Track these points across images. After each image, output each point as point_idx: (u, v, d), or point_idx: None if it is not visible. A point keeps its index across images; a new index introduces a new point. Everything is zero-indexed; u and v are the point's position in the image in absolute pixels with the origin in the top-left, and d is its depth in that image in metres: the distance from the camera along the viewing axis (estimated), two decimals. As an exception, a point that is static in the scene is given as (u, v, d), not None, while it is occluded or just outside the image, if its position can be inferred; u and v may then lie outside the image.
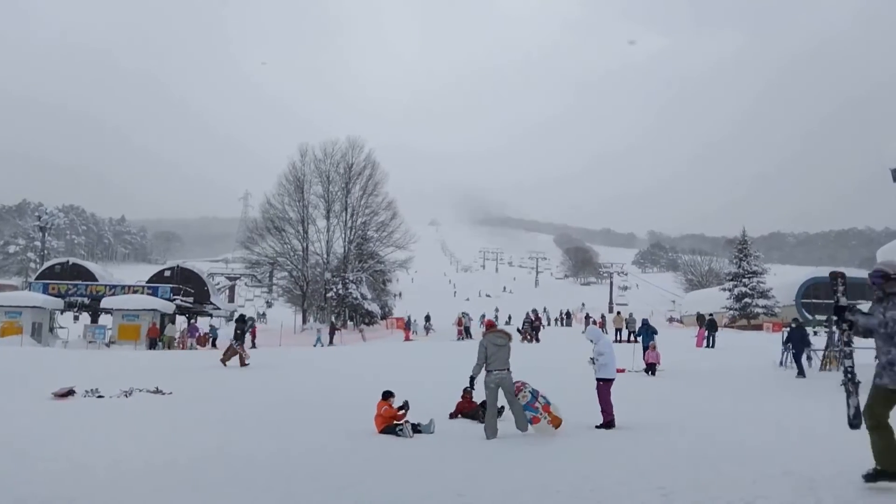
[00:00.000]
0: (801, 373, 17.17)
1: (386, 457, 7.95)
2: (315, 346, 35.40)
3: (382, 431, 9.64)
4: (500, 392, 9.53)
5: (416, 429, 9.65)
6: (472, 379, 9.78)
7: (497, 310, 66.28)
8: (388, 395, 10.17)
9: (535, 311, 48.15)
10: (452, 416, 11.13)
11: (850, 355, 5.89)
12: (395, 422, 9.76)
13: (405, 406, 10.04)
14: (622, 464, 7.23)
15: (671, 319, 67.35)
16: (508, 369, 9.48)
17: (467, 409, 11.10)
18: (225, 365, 20.77)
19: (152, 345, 34.80)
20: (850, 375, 5.87)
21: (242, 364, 20.94)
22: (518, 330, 36.49)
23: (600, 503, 5.69)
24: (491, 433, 9.24)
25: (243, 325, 22.70)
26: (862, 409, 5.76)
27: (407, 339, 40.03)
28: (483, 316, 62.54)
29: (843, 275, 6.46)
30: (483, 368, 9.50)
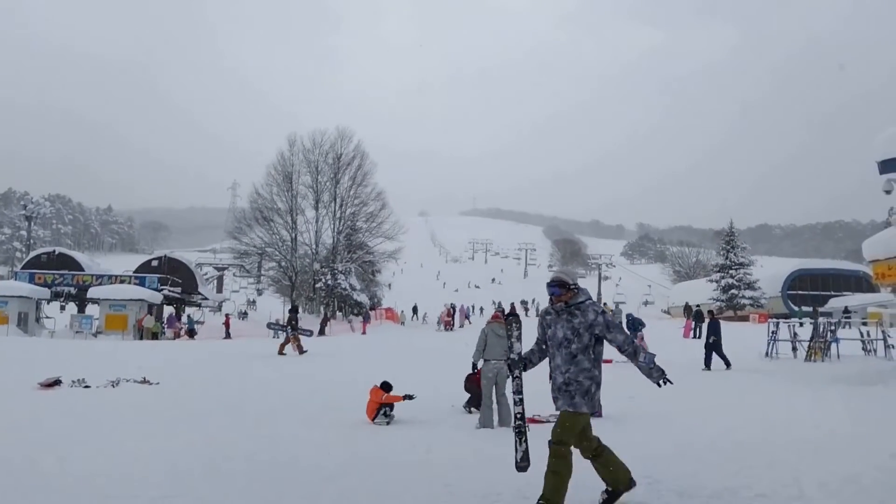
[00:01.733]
0: (707, 366, 17.08)
1: (373, 448, 7.94)
2: (274, 337, 34.99)
3: (374, 417, 9.65)
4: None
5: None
6: (475, 366, 9.92)
7: (493, 302, 66.44)
8: (387, 388, 10.07)
9: (523, 301, 48.40)
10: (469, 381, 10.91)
11: (520, 402, 5.54)
12: (386, 401, 9.74)
13: (410, 397, 9.98)
14: (609, 454, 7.26)
15: (645, 303, 68.46)
16: (506, 360, 9.48)
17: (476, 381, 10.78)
18: (282, 354, 21.49)
19: (143, 335, 34.77)
20: (519, 421, 5.58)
21: (301, 352, 21.83)
22: (268, 325, 35.54)
23: (587, 491, 5.71)
24: (485, 422, 9.25)
25: (296, 315, 23.64)
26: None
27: (363, 332, 38.94)
28: (472, 306, 62.85)
29: (517, 317, 6.04)
30: (482, 357, 9.55)
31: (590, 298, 5.26)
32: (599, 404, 5.31)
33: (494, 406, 9.43)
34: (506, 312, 36.26)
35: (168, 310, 43.25)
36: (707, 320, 19.29)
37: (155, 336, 35.21)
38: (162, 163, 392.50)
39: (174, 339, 36.05)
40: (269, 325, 27.54)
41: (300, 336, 22.66)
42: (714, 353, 17.47)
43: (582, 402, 5.10)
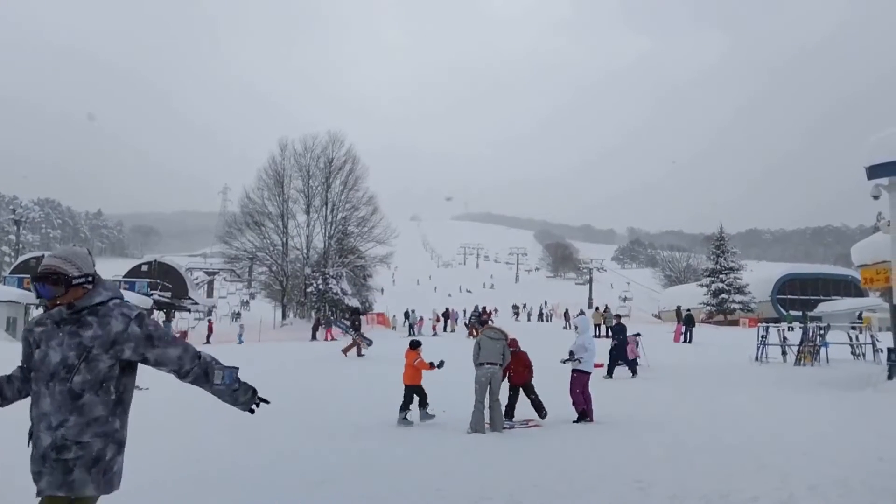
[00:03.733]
0: (609, 374, 16.06)
1: (364, 453, 7.93)
2: (239, 343, 34.59)
3: (411, 386, 9.91)
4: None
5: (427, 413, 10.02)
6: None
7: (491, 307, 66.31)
8: (416, 345, 10.34)
9: (514, 306, 48.30)
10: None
11: None
12: (419, 366, 10.03)
13: (440, 365, 10.19)
14: (600, 458, 7.28)
15: (625, 299, 69.81)
16: (500, 365, 9.57)
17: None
18: (346, 356, 22.11)
19: None
20: None
21: (359, 354, 22.30)
22: (465, 324, 34.96)
23: (578, 497, 5.72)
24: (476, 426, 9.25)
25: (358, 317, 24.39)
26: None
27: (328, 338, 35.58)
28: (465, 311, 62.62)
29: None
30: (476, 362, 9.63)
31: (118, 297, 3.23)
32: (118, 478, 3.30)
33: (486, 410, 9.45)
34: (479, 313, 35.23)
35: (159, 315, 43.03)
36: (614, 323, 18.56)
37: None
38: (152, 166, 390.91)
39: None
40: (336, 324, 28.51)
41: (362, 340, 23.17)
42: (619, 359, 16.58)
43: (87, 478, 3.04)
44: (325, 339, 35.51)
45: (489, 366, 9.47)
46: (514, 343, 10.53)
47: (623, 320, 23.02)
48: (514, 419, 10.08)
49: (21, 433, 3.39)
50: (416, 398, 10.00)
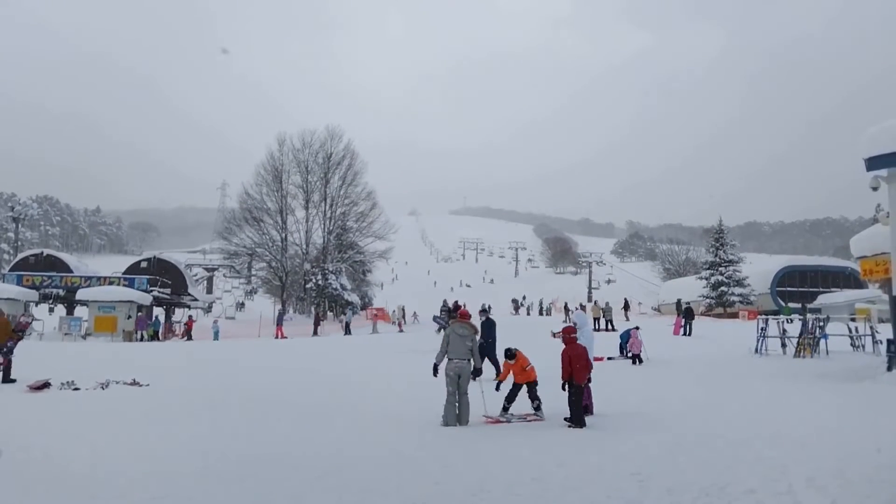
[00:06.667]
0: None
1: (364, 447, 7.95)
2: (215, 339, 34.27)
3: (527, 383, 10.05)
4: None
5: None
6: (436, 367, 9.77)
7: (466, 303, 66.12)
8: (510, 356, 10.28)
9: (514, 300, 48.05)
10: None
11: None
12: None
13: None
14: (598, 451, 7.29)
15: (609, 281, 70.56)
16: (469, 360, 9.56)
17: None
18: None
19: (142, 337, 34.77)
20: None
21: None
22: (434, 318, 33.50)
23: (576, 489, 5.73)
24: (448, 419, 9.26)
25: (449, 314, 24.87)
26: None
27: (278, 335, 35.27)
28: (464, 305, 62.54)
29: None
30: (445, 356, 9.58)
31: None
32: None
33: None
34: (450, 308, 34.92)
35: (156, 311, 43.01)
36: (483, 319, 15.72)
37: (152, 338, 35.14)
38: (151, 163, 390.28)
39: (158, 340, 35.91)
40: (434, 319, 30.06)
41: None
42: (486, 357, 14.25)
43: None
44: (276, 337, 34.48)
45: (458, 361, 9.49)
46: (569, 331, 9.64)
47: (628, 315, 22.97)
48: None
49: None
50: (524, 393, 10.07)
